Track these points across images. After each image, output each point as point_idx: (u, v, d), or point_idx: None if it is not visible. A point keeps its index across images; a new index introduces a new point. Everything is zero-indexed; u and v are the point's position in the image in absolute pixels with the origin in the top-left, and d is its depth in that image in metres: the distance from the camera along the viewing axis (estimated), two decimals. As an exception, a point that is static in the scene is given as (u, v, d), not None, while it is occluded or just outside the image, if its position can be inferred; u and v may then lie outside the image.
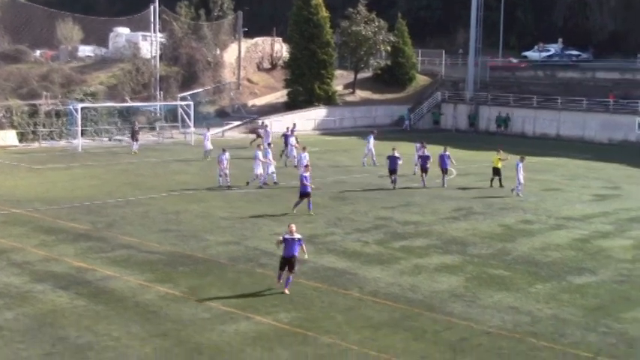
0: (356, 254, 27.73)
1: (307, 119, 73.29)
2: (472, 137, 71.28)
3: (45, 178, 43.02)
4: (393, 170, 41.21)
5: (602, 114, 69.47)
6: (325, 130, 72.49)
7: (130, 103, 65.91)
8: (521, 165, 39.48)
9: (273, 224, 32.15)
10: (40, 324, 19.97)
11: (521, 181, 39.53)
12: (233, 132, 68.91)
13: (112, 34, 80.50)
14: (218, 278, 24.45)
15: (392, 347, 18.88)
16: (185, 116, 63.28)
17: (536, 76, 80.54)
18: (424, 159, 42.84)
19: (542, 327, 20.62)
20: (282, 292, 22.60)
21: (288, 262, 22.74)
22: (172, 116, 67.12)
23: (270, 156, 42.14)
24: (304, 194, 34.38)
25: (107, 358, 17.83)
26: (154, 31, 70.73)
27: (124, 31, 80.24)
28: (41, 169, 46.05)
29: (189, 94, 69.49)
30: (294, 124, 56.65)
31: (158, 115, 67.93)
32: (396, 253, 28.07)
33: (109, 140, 61.92)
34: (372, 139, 50.41)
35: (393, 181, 41.13)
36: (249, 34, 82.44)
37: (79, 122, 56.44)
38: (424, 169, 42.47)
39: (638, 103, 67.76)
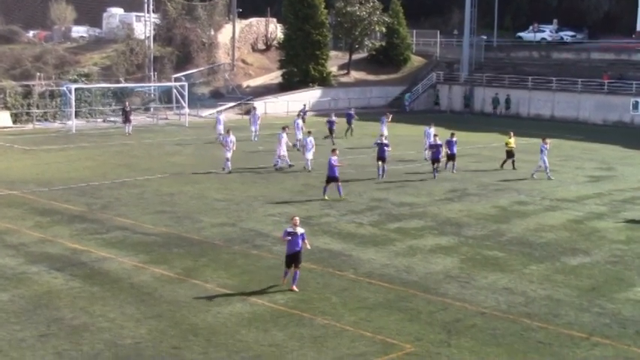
0: (351, 236, 27.78)
1: (302, 100, 73.05)
2: (467, 118, 71.23)
3: (39, 159, 42.94)
4: (381, 158, 38.63)
5: (596, 95, 69.43)
6: (320, 111, 72.28)
7: (124, 84, 65.74)
8: (545, 147, 39.66)
9: (268, 206, 32.17)
10: (35, 305, 20.00)
11: (547, 163, 39.58)
12: (227, 113, 68.68)
13: (105, 15, 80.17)
14: (213, 260, 24.48)
15: (386, 328, 18.96)
16: (179, 97, 63.16)
17: (531, 57, 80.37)
18: (436, 148, 39.52)
19: (536, 308, 20.71)
20: (291, 290, 21.51)
21: (294, 258, 21.66)
22: (167, 97, 66.98)
23: (231, 143, 39.85)
24: (332, 178, 33.64)
25: (102, 340, 17.87)
26: (148, 12, 70.34)
27: (117, 11, 79.91)
28: (35, 151, 45.95)
29: (184, 75, 69.30)
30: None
31: (152, 96, 67.80)
32: (390, 234, 28.12)
33: (103, 121, 61.76)
34: (385, 122, 50.31)
35: (383, 171, 38.69)
36: (243, 15, 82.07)
37: (73, 103, 56.24)
38: (436, 159, 39.38)
39: (632, 84, 67.75)
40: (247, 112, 62.73)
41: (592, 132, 61.06)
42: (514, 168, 41.81)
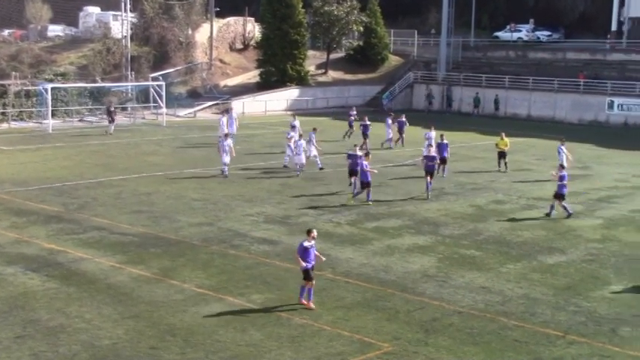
0: (329, 235, 27.80)
1: (279, 100, 73.18)
2: (446, 117, 71.47)
3: (15, 159, 42.63)
4: (353, 172, 34.23)
5: (572, 94, 69.85)
6: (297, 110, 72.19)
7: (100, 84, 65.40)
8: (563, 148, 39.71)
9: (246, 205, 32.13)
10: (10, 307, 19.87)
11: (565, 164, 39.72)
12: (205, 113, 68.60)
13: (82, 14, 79.75)
14: (190, 260, 24.43)
15: (364, 327, 19.00)
16: (157, 97, 62.93)
17: (508, 57, 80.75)
18: (432, 160, 35.13)
19: (513, 306, 20.84)
20: (310, 309, 20.14)
21: (310, 272, 20.33)
22: (144, 97, 66.64)
23: (227, 147, 38.36)
24: (365, 184, 32.70)
25: (79, 341, 17.79)
26: (125, 11, 70.02)
27: (94, 10, 79.50)
28: (11, 151, 45.63)
29: (161, 75, 68.99)
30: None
31: (129, 95, 67.49)
32: (368, 233, 28.18)
33: (80, 121, 61.41)
34: (389, 121, 50.01)
35: (352, 184, 34.45)
36: (221, 14, 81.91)
37: (49, 103, 55.87)
38: (430, 172, 34.76)
39: (607, 83, 68.25)
40: (225, 112, 62.58)
41: (568, 131, 61.25)
42: (505, 169, 41.66)
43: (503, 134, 42.49)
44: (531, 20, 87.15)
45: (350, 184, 34.69)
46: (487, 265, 24.69)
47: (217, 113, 67.45)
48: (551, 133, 59.40)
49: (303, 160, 39.14)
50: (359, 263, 24.42)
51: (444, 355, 17.60)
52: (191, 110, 67.97)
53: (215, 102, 70.77)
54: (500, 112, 72.88)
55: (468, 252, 26.15)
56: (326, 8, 78.57)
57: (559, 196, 31.46)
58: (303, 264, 20.14)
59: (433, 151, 35.99)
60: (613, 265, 24.98)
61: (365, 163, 32.79)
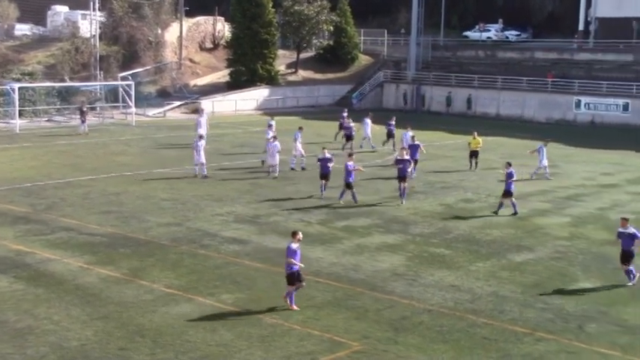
0: (299, 234, 27.77)
1: (249, 99, 73.07)
2: (418, 116, 71.72)
3: (-18, 159, 42.21)
4: (324, 175, 33.90)
5: (540, 93, 70.47)
6: (268, 109, 72.24)
7: (69, 83, 64.89)
8: (544, 149, 39.96)
9: (216, 205, 32.05)
10: (-22, 308, 19.68)
11: (545, 164, 39.95)
12: (175, 112, 68.33)
13: (50, 13, 79.10)
14: (160, 260, 24.32)
15: (334, 327, 19.03)
16: (126, 96, 62.56)
17: (477, 56, 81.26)
18: (403, 164, 33.54)
19: (482, 304, 20.97)
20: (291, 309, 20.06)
21: (299, 275, 20.27)
22: (113, 96, 66.23)
23: (201, 148, 38.06)
24: (348, 185, 32.56)
25: (47, 342, 17.65)
26: (94, 10, 69.56)
27: (62, 9, 78.88)
28: (-22, 151, 45.17)
29: (130, 74, 68.61)
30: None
31: (98, 95, 67.02)
32: (338, 233, 28.22)
33: (48, 121, 60.89)
34: (367, 120, 49.40)
35: (323, 189, 33.79)
36: (190, 14, 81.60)
37: (17, 103, 55.31)
38: (402, 177, 33.36)
39: (575, 82, 68.89)
40: (202, 112, 62.35)
41: (536, 130, 61.86)
42: (475, 168, 41.88)
43: (476, 133, 42.79)
44: (500, 20, 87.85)
45: (321, 188, 33.93)
46: (456, 263, 24.83)
47: (186, 113, 67.37)
48: (520, 132, 59.90)
49: (277, 161, 38.74)
50: (329, 262, 24.45)
51: (414, 353, 17.68)
52: (161, 110, 67.68)
53: (185, 101, 70.56)
54: (470, 112, 73.16)
55: (437, 250, 26.27)
56: (296, 8, 78.63)
57: (507, 193, 31.69)
58: (296, 267, 20.08)
59: (406, 155, 34.48)
60: (580, 263, 25.22)
61: (350, 163, 32.63)
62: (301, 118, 64.69)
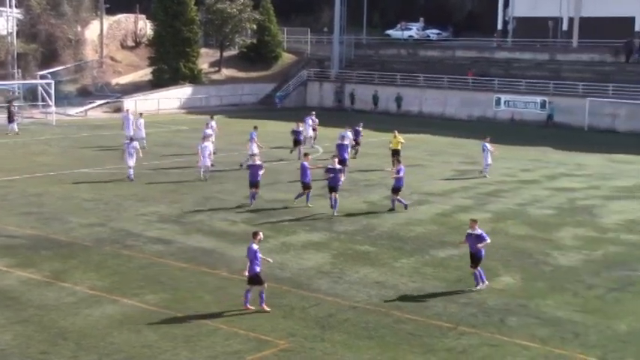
0: (224, 233, 27.72)
1: (172, 98, 72.40)
2: (342, 114, 72.10)
3: None
4: (253, 183, 32.07)
5: (461, 91, 71.54)
6: (191, 108, 71.76)
7: (-15, 82, 63.31)
8: (488, 146, 40.21)
9: (139, 205, 31.71)
10: None
11: (489, 161, 40.26)
12: (96, 111, 67.28)
13: (-38, 10, 76.97)
14: (83, 261, 23.96)
15: (260, 325, 19.03)
16: (45, 95, 61.31)
17: (399, 55, 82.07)
18: (334, 173, 31.21)
19: (407, 300, 21.22)
20: (264, 312, 19.88)
21: (258, 277, 20.11)
22: (32, 95, 64.87)
23: (133, 150, 37.00)
24: (305, 185, 31.86)
25: (-34, 348, 17.24)
26: (10, 6, 67.95)
27: (-23, 6, 76.86)
28: None
29: (50, 73, 67.33)
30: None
31: (17, 94, 65.53)
32: (263, 231, 28.09)
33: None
34: (309, 120, 48.94)
35: (251, 196, 32.11)
36: (111, 11, 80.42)
37: None
38: (334, 188, 31.18)
39: (494, 80, 70.20)
40: (117, 111, 61.68)
41: (458, 127, 62.83)
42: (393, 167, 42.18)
43: (396, 132, 42.89)
44: (421, 19, 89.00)
45: (250, 196, 32.12)
46: (381, 260, 25.07)
47: (108, 112, 66.44)
48: (442, 129, 60.73)
49: (208, 163, 37.56)
50: (254, 261, 24.39)
51: (340, 350, 17.80)
52: (82, 109, 66.54)
53: (106, 100, 69.60)
54: (398, 110, 73.41)
55: (362, 248, 26.48)
56: (219, 6, 78.25)
57: (396, 189, 32.07)
58: (257, 268, 19.97)
59: (337, 163, 32.22)
60: (501, 257, 25.71)
61: (305, 163, 32.11)
62: (225, 116, 64.39)
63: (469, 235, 22.43)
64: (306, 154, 33.98)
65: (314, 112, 51.78)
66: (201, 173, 37.34)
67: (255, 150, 39.36)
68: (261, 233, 20.64)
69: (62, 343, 17.67)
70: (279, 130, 53.10)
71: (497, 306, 20.95)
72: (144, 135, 46.40)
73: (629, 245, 27.67)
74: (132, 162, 36.88)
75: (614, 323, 19.89)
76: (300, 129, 45.79)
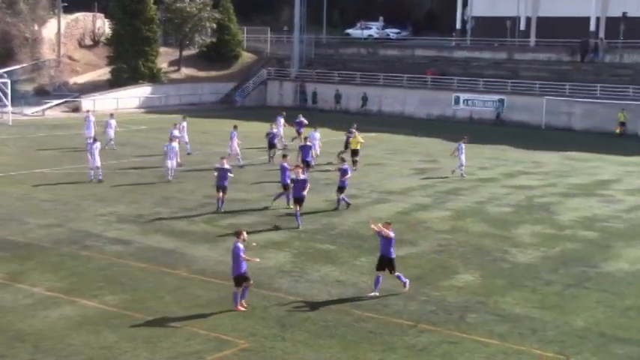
0: (183, 233, 27.60)
1: (132, 97, 71.89)
2: (307, 114, 72.01)
3: None
4: (221, 187, 31.26)
5: (420, 90, 71.95)
6: (151, 108, 71.34)
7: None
8: (463, 146, 40.14)
9: (98, 205, 31.45)
10: None
11: (463, 162, 40.27)
12: (54, 111, 66.58)
13: None
14: (40, 262, 23.70)
15: (221, 325, 18.99)
16: (1, 95, 60.49)
17: (359, 54, 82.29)
18: (302, 184, 29.62)
19: (367, 298, 21.28)
20: (242, 309, 19.92)
21: (244, 276, 19.99)
22: (-13, 95, 63.96)
23: (96, 152, 36.02)
24: (285, 186, 31.65)
25: None
26: (-35, 5, 67.07)
27: None
28: None
29: (6, 72, 66.37)
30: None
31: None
32: (223, 230, 28.12)
33: None
34: (281, 121, 48.60)
35: (220, 202, 31.33)
36: (68, 10, 79.63)
37: None
38: (298, 200, 29.59)
39: (453, 79, 70.71)
40: (75, 110, 61.12)
41: (417, 126, 63.16)
42: (354, 168, 42.09)
43: (356, 132, 42.93)
44: (381, 18, 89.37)
45: (218, 200, 31.47)
46: (341, 258, 25.14)
47: (66, 111, 65.76)
48: (401, 128, 60.99)
49: (173, 165, 36.80)
50: (215, 261, 24.36)
51: (301, 349, 17.82)
52: (39, 108, 65.79)
53: (64, 100, 68.91)
54: (363, 109, 73.39)
55: (322, 246, 26.53)
56: (178, 4, 77.97)
57: (340, 188, 31.96)
58: (244, 267, 19.83)
59: (302, 173, 30.23)
60: (461, 255, 25.93)
61: (285, 164, 31.70)
62: (186, 116, 63.94)
63: (379, 235, 21.59)
64: (284, 156, 33.32)
65: (284, 112, 51.69)
66: (169, 174, 36.67)
67: (236, 148, 40.48)
68: (245, 232, 20.32)
69: (19, 345, 17.47)
70: (242, 129, 52.95)
71: (456, 303, 21.12)
72: (112, 136, 45.87)
73: (585, 242, 28.06)
74: (97, 162, 36.06)
75: (572, 319, 20.16)
76: (274, 130, 44.80)
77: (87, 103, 66.90)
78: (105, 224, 28.46)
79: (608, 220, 31.64)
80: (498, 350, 18.07)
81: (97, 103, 67.70)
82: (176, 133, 42.30)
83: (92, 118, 46.69)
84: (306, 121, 49.01)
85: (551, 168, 44.47)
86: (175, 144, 37.52)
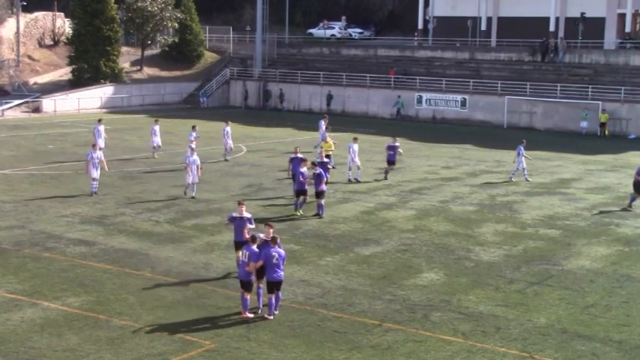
0: (147, 234, 27.43)
1: (93, 97, 71.28)
2: (264, 114, 72.05)
3: None
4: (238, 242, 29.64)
5: (384, 90, 72.21)
6: (113, 108, 70.80)
7: None
8: (522, 149, 39.76)
9: (60, 206, 31.14)
10: None
11: (524, 165, 39.98)
12: (14, 111, 65.80)
13: None
14: (1, 265, 23.41)
15: (185, 326, 18.90)
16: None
17: (322, 53, 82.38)
18: (316, 181, 30.67)
19: (332, 298, 21.33)
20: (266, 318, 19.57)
21: (248, 284, 19.64)
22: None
23: (97, 160, 33.55)
24: (300, 192, 30.89)
25: None
26: None
27: None
28: None
29: (-36, 72, 65.64)
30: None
31: None
32: (188, 231, 28.01)
33: None
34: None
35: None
36: (28, 9, 78.79)
37: None
38: (318, 194, 30.79)
39: (416, 79, 71.05)
40: (35, 110, 60.45)
41: (381, 125, 63.37)
42: (333, 167, 41.98)
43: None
44: (343, 18, 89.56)
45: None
46: (306, 258, 25.14)
47: (27, 112, 65.01)
48: (365, 127, 61.11)
49: (195, 179, 34.32)
50: (179, 261, 24.24)
51: (266, 349, 17.80)
52: (-1, 109, 65.06)
53: (25, 100, 68.13)
54: (327, 108, 73.11)
55: (287, 246, 26.33)
56: (139, 4, 77.49)
57: (318, 193, 31.14)
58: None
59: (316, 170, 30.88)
60: (425, 254, 26.05)
61: (302, 171, 30.92)
62: (149, 116, 63.68)
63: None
64: (304, 160, 32.16)
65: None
66: (192, 190, 33.77)
67: (230, 144, 42.95)
68: (261, 235, 20.08)
69: (-19, 348, 17.26)
70: (204, 129, 52.80)
71: (421, 302, 21.22)
72: (102, 145, 41.36)
73: (547, 240, 28.34)
74: (96, 174, 33.48)
75: (535, 316, 20.35)
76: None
77: (48, 103, 66.30)
78: (67, 225, 28.18)
79: (569, 218, 31.99)
80: (462, 348, 18.19)
81: (58, 104, 67.09)
82: (193, 137, 40.88)
83: (101, 128, 43.25)
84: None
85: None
86: (197, 157, 33.52)
